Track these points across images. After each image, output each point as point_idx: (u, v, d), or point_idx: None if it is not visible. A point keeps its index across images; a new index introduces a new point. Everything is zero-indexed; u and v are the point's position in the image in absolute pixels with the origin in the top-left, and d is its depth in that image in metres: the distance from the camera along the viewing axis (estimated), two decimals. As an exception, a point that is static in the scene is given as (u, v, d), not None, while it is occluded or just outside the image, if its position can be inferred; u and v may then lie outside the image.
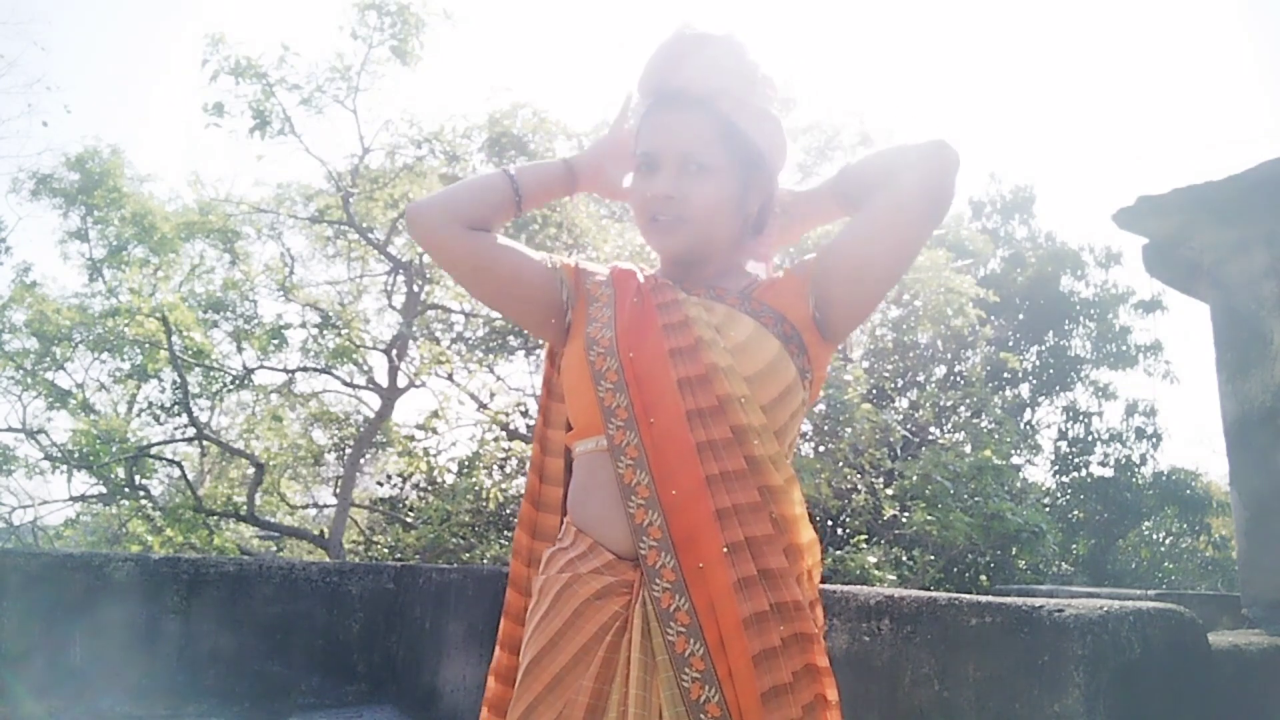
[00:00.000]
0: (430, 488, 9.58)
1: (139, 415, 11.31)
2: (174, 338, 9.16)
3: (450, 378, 9.85)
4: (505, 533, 8.49)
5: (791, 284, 1.31)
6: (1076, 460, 11.88)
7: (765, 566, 1.14)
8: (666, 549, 1.14)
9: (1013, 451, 8.86)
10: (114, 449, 9.54)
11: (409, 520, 9.55)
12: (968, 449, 7.72)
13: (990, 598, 1.98)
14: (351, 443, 10.27)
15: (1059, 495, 12.00)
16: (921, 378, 9.81)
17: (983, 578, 9.23)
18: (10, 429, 11.16)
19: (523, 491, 1.48)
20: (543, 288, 1.37)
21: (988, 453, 6.83)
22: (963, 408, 8.97)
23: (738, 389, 1.21)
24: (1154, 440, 11.76)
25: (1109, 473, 11.68)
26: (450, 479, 9.29)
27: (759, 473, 1.19)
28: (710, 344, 1.23)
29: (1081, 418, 11.94)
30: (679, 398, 1.19)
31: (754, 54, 1.31)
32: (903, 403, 9.23)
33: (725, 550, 1.12)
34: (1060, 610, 1.79)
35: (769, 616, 1.12)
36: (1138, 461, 11.68)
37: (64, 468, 10.10)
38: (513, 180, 1.38)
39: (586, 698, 1.13)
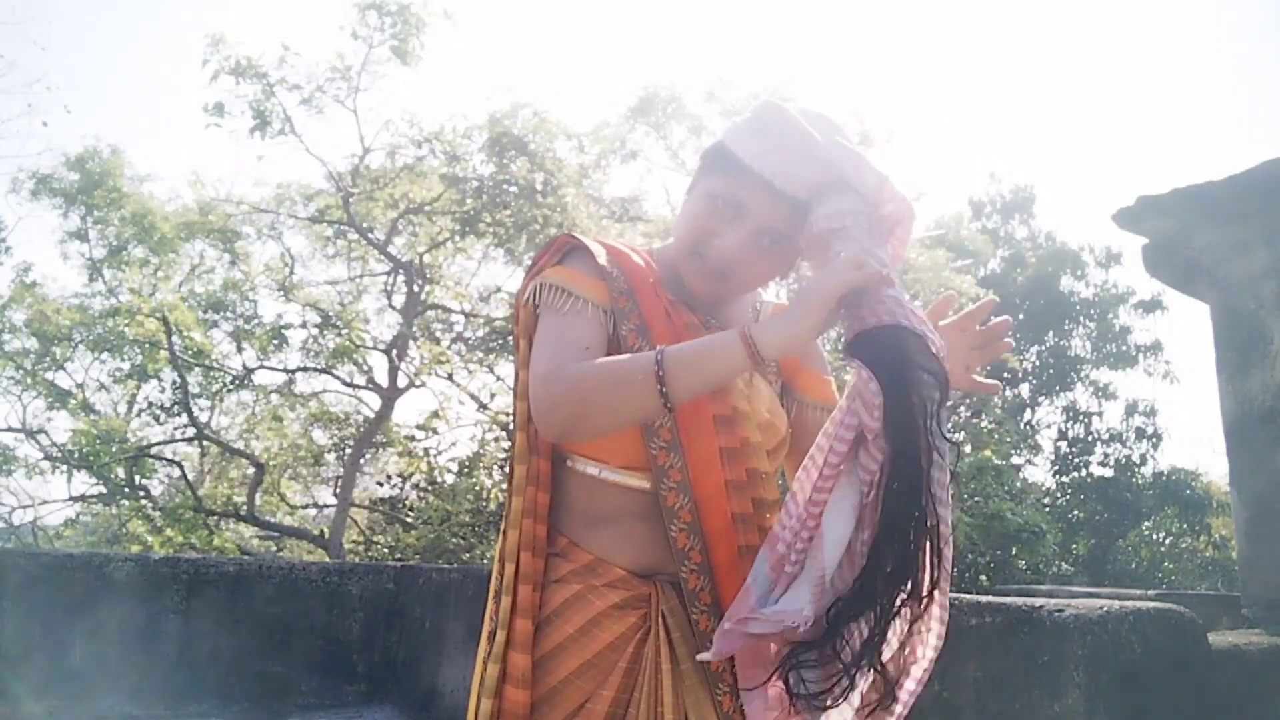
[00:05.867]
0: (430, 488, 9.59)
1: (139, 415, 11.32)
2: (174, 338, 9.17)
3: (450, 378, 9.86)
4: (505, 533, 8.46)
5: (826, 394, 1.36)
6: (1076, 460, 11.89)
7: None
8: (707, 574, 1.18)
9: (1013, 451, 8.86)
10: (114, 449, 9.55)
11: (409, 520, 9.55)
12: (968, 449, 7.72)
13: (990, 598, 1.98)
14: (351, 443, 10.28)
15: (1059, 495, 12.00)
16: (921, 378, 9.78)
17: (983, 578, 9.22)
18: (10, 429, 11.19)
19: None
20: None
21: (988, 453, 6.83)
22: (963, 408, 8.97)
23: (763, 465, 1.24)
24: (1154, 440, 11.77)
25: (1109, 473, 11.69)
26: (450, 479, 9.30)
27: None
28: (755, 446, 1.24)
29: (1081, 418, 11.95)
30: (720, 466, 1.20)
31: (868, 169, 1.19)
32: (903, 403, 9.21)
33: None
34: (1060, 610, 1.79)
35: None
36: (1138, 461, 11.68)
37: (64, 468, 10.11)
38: (663, 391, 1.07)
39: (605, 706, 1.15)
